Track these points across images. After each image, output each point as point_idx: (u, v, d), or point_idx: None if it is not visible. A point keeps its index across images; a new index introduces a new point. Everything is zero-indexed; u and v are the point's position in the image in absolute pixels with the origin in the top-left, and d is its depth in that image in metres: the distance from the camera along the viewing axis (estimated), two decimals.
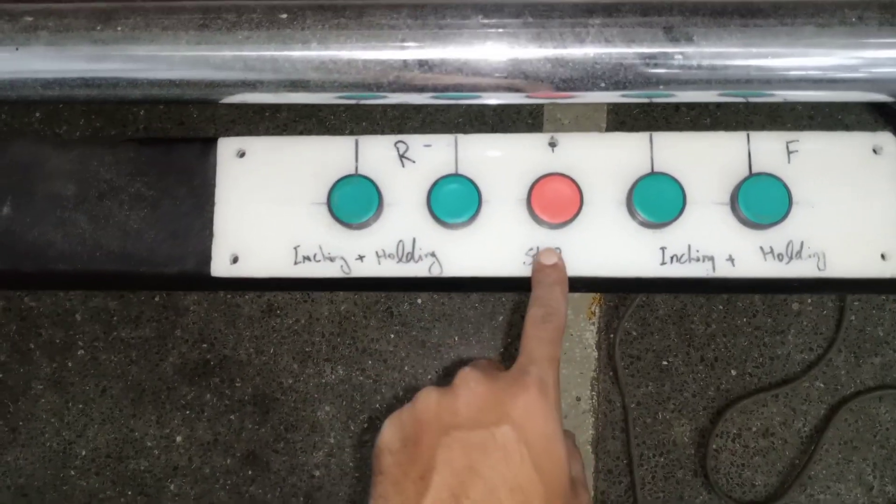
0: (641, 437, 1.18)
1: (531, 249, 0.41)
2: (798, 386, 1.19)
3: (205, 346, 1.19)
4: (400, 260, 0.41)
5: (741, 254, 0.40)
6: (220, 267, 0.41)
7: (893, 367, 1.18)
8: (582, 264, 0.41)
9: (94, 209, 0.43)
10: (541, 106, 1.38)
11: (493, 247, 0.41)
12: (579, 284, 0.42)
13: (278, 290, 0.46)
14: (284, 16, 0.36)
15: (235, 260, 0.41)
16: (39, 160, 0.42)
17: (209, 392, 1.19)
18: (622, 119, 1.29)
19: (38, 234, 0.42)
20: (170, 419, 1.18)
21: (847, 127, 1.30)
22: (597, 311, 1.20)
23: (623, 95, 0.39)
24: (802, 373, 1.19)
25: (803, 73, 0.36)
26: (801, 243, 0.40)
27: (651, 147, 0.41)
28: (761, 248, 0.40)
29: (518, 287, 0.42)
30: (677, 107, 1.32)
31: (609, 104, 1.30)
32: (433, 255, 0.41)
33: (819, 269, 0.40)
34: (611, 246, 0.41)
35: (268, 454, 1.17)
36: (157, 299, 1.21)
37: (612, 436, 1.17)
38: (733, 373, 1.19)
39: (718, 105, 1.39)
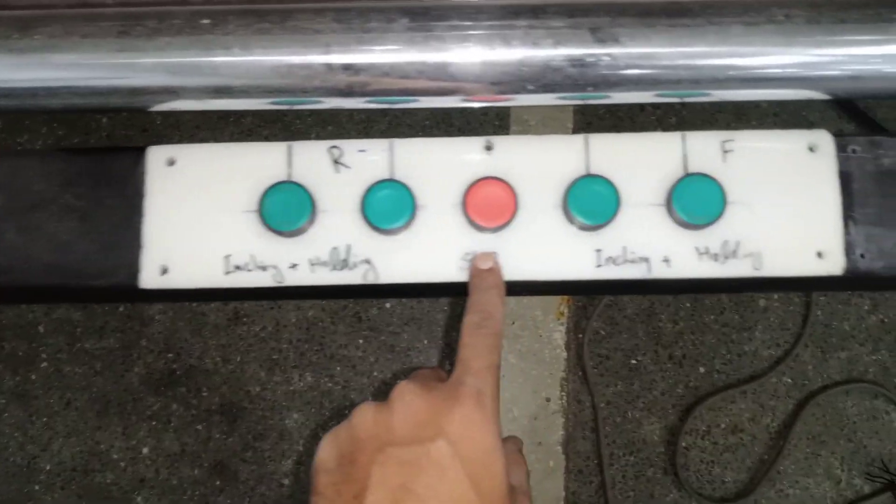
0: (611, 437, 1.18)
1: (467, 254, 0.41)
2: (766, 382, 1.19)
3: (170, 355, 1.18)
4: (334, 268, 0.40)
5: (677, 254, 0.40)
6: (149, 278, 0.40)
7: (860, 361, 1.19)
8: (518, 268, 0.41)
9: (22, 221, 0.42)
10: (507, 108, 1.38)
11: (428, 252, 0.41)
12: (516, 288, 0.41)
13: (210, 301, 0.45)
14: (207, 21, 0.35)
15: (165, 271, 0.41)
16: None
17: (175, 402, 1.17)
18: (588, 119, 1.30)
19: None
20: (136, 430, 1.17)
21: (811, 123, 1.31)
22: (565, 311, 1.20)
23: (558, 98, 0.39)
24: (770, 368, 1.19)
25: (733, 72, 0.35)
26: (737, 243, 0.40)
27: (587, 149, 0.41)
28: (697, 248, 0.40)
29: (455, 292, 0.41)
30: (643, 107, 1.33)
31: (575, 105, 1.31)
32: (368, 261, 0.41)
33: (755, 268, 0.40)
34: (546, 249, 0.40)
35: (236, 464, 1.16)
36: (121, 309, 1.19)
37: (582, 436, 1.17)
38: (701, 370, 1.19)
39: (684, 104, 1.39)
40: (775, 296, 1.21)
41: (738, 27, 0.35)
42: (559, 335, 1.21)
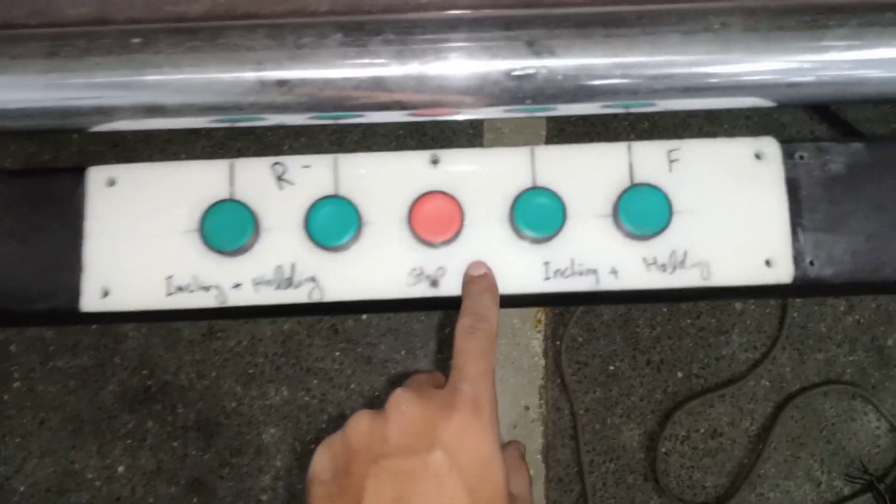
0: (591, 444, 1.17)
1: (414, 269, 0.40)
2: (744, 385, 1.19)
3: (145, 372, 1.17)
4: (278, 286, 0.40)
5: (624, 266, 0.40)
6: (90, 302, 0.40)
7: (837, 362, 1.19)
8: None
9: None
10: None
11: (375, 269, 0.40)
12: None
13: (154, 321, 0.44)
14: (137, 40, 0.34)
15: (106, 294, 0.40)
16: None
17: (151, 419, 1.16)
18: (561, 126, 1.29)
19: None
20: (111, 449, 1.15)
21: (783, 126, 1.32)
22: (542, 318, 1.20)
23: (503, 111, 0.39)
24: (748, 371, 1.19)
25: (671, 82, 0.35)
26: (685, 253, 0.40)
27: (532, 161, 0.40)
28: (644, 259, 0.40)
29: (403, 308, 0.41)
30: (615, 114, 1.33)
31: None
32: (313, 279, 0.40)
33: (703, 278, 0.40)
34: (493, 263, 0.40)
35: (213, 480, 1.14)
36: (94, 326, 1.18)
37: (561, 444, 1.16)
38: (679, 375, 1.19)
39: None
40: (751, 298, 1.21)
41: (675, 36, 0.34)
42: (537, 343, 1.20)
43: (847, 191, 0.41)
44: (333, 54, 0.34)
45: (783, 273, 0.40)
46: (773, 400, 1.19)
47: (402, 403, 0.35)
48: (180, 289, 0.40)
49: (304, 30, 0.34)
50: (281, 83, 0.35)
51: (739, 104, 0.38)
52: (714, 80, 0.35)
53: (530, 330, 1.21)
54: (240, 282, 0.40)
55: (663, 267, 0.40)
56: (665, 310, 1.20)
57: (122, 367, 1.18)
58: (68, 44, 0.35)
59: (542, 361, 1.20)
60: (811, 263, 0.41)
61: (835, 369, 1.20)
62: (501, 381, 1.19)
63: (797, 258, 0.40)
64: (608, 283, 0.40)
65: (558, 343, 1.19)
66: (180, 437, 1.16)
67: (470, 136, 1.29)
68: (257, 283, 0.40)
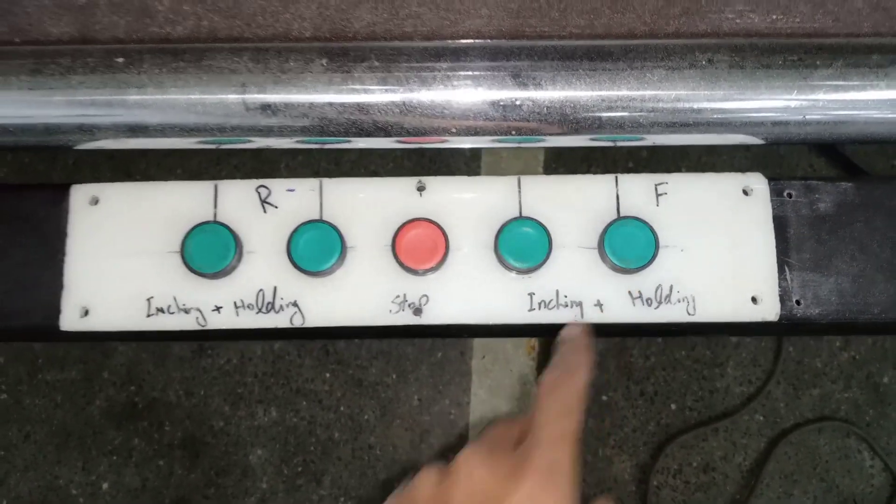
0: (583, 475, 1.15)
1: (397, 297, 0.40)
2: (738, 419, 1.18)
3: (133, 388, 1.16)
4: (259, 310, 0.39)
5: (610, 299, 0.39)
6: (70, 320, 0.39)
7: (832, 399, 1.18)
8: (449, 312, 0.40)
9: None
10: None
11: (357, 295, 0.40)
12: (448, 332, 0.40)
13: (134, 341, 0.43)
14: (121, 60, 0.34)
15: (86, 313, 0.39)
16: None
17: (137, 436, 1.15)
18: (559, 151, 1.30)
19: None
20: (96, 465, 1.14)
21: (782, 157, 1.32)
22: (536, 345, 1.19)
23: (491, 140, 0.38)
24: (742, 406, 1.18)
25: (655, 116, 0.35)
26: (671, 287, 0.39)
27: (519, 191, 0.40)
28: (630, 292, 0.39)
29: (385, 335, 0.40)
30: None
31: None
32: (295, 304, 0.40)
33: (689, 313, 0.39)
34: (477, 292, 0.39)
35: (198, 500, 1.13)
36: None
37: None
38: (673, 407, 1.18)
39: None
40: None
41: (660, 71, 0.34)
42: (530, 370, 1.19)
43: (835, 230, 0.41)
44: (318, 79, 0.34)
45: (769, 311, 0.40)
46: (766, 435, 1.18)
47: (472, 463, 0.33)
48: (160, 310, 0.39)
49: (288, 54, 0.34)
50: (265, 107, 0.34)
51: (725, 141, 0.37)
52: (699, 117, 0.35)
53: (524, 357, 1.20)
54: (220, 305, 0.39)
55: (648, 301, 0.39)
56: (660, 340, 1.19)
57: (110, 382, 1.17)
58: (52, 61, 0.35)
59: (535, 389, 1.19)
60: (797, 303, 0.40)
61: (830, 406, 1.19)
62: (494, 408, 1.18)
63: (783, 296, 0.40)
64: (593, 316, 0.39)
65: None
66: (166, 455, 1.15)
67: (467, 158, 1.29)
68: (238, 306, 0.39)
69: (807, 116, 0.34)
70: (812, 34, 0.35)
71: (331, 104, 0.34)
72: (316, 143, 0.39)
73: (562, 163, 1.25)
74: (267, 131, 0.35)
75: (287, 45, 0.34)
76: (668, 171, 0.37)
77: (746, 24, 0.35)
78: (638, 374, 1.18)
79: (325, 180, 0.41)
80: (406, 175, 0.41)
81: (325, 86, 0.34)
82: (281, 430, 1.14)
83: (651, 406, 1.17)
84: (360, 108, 0.34)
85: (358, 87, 0.34)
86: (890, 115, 0.35)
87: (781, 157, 1.30)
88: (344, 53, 0.34)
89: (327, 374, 1.16)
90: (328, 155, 1.28)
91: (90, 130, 0.35)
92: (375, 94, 0.34)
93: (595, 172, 0.41)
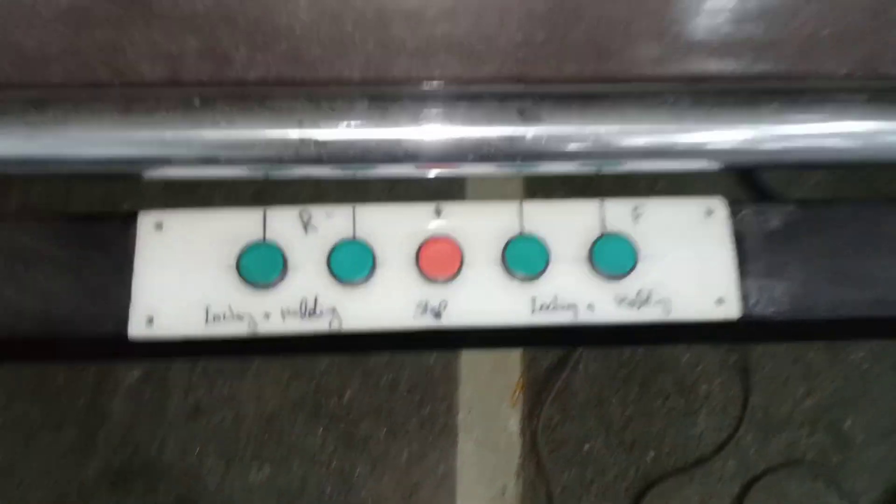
0: None
1: (420, 303, 0.47)
2: (711, 466, 1.24)
3: (128, 449, 1.18)
4: (303, 316, 0.46)
5: (599, 301, 0.47)
6: (137, 328, 0.45)
7: (798, 444, 1.25)
8: (464, 316, 0.47)
9: (24, 279, 0.47)
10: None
11: (386, 301, 0.47)
12: (465, 338, 0.47)
13: (191, 356, 0.49)
14: (197, 101, 0.42)
15: (151, 321, 0.46)
16: None
17: (132, 497, 1.16)
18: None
19: None
20: None
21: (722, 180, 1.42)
22: (520, 397, 1.25)
23: (497, 167, 0.46)
24: (714, 453, 1.24)
25: (634, 148, 0.43)
26: (650, 292, 0.47)
27: (521, 213, 0.48)
28: (616, 296, 0.47)
29: (410, 342, 0.47)
30: None
31: None
32: (333, 310, 0.46)
33: (665, 312, 0.47)
34: (488, 297, 0.47)
35: None
36: (80, 401, 1.20)
37: None
38: (651, 454, 1.24)
39: None
40: (716, 380, 1.28)
41: (637, 110, 0.43)
42: (514, 422, 1.24)
43: (782, 243, 0.49)
44: (363, 116, 0.42)
45: (732, 310, 0.47)
46: (738, 481, 1.24)
47: None
48: (217, 318, 0.46)
49: (336, 96, 0.42)
50: (318, 144, 0.42)
51: (689, 166, 0.46)
52: (666, 146, 0.44)
53: (507, 409, 1.25)
54: (269, 312, 0.46)
55: (632, 303, 0.47)
56: (636, 389, 1.26)
57: (106, 444, 1.19)
58: (141, 101, 0.42)
59: (519, 441, 1.24)
60: (755, 303, 0.48)
61: (797, 451, 1.25)
62: (479, 461, 1.22)
63: (743, 298, 0.48)
64: (585, 317, 0.47)
65: (535, 422, 1.24)
66: None
67: (458, 182, 1.36)
68: (285, 313, 0.46)
69: (756, 146, 0.43)
70: (758, 77, 0.44)
71: (372, 140, 0.42)
72: (352, 170, 0.46)
73: (539, 184, 1.32)
74: (316, 161, 0.43)
75: (335, 92, 0.42)
76: (635, 190, 0.45)
77: (704, 69, 0.44)
78: (617, 423, 1.24)
79: (358, 205, 0.48)
80: (418, 199, 0.48)
81: (365, 122, 0.42)
82: (273, 490, 1.17)
83: (630, 454, 1.23)
84: (395, 142, 0.42)
85: (394, 123, 0.42)
86: (817, 145, 0.44)
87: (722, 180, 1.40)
88: (382, 96, 0.42)
89: (320, 430, 1.20)
90: (356, 183, 1.35)
91: (168, 162, 0.43)
92: (409, 130, 0.42)
93: (571, 193, 0.49)
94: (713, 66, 0.44)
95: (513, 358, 1.29)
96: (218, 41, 0.40)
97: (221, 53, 0.41)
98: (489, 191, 1.35)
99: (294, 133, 0.42)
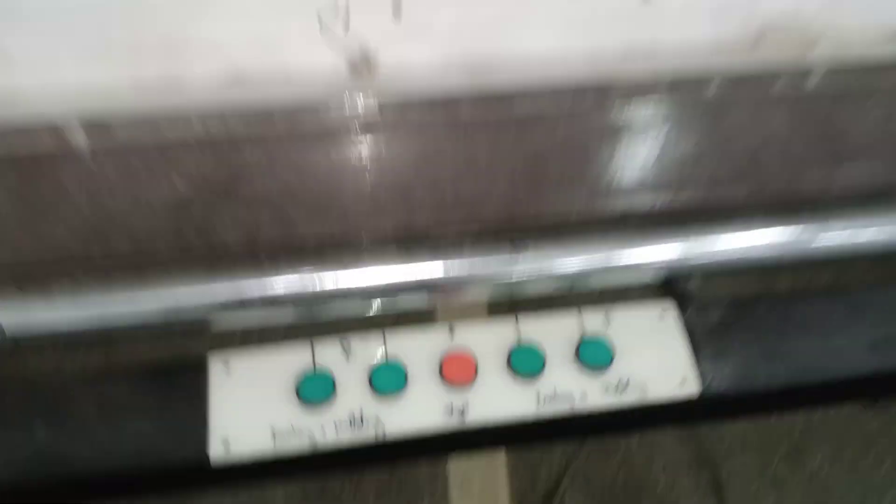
0: None
1: (447, 406, 0.57)
2: None
3: None
4: (352, 427, 0.56)
5: (589, 391, 0.58)
6: (216, 451, 0.55)
7: None
8: (484, 413, 0.57)
9: (116, 424, 0.56)
10: None
11: (419, 408, 0.57)
12: (486, 435, 0.58)
13: (262, 477, 0.58)
14: (265, 257, 0.54)
15: (227, 445, 0.55)
16: (65, 387, 0.56)
17: None
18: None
19: (64, 447, 0.54)
20: None
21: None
22: None
23: (492, 287, 0.59)
24: None
25: (591, 269, 0.57)
26: (628, 379, 0.59)
27: (517, 325, 0.60)
28: (601, 385, 0.59)
29: (443, 444, 0.57)
30: None
31: None
32: (377, 419, 0.57)
33: (643, 395, 0.58)
34: (501, 396, 0.58)
35: None
36: None
37: None
38: None
39: None
40: (693, 498, 1.36)
41: (596, 241, 0.57)
42: None
43: (723, 332, 0.62)
44: (381, 261, 0.55)
45: (692, 388, 0.59)
46: None
47: None
48: (282, 435, 0.55)
49: (361, 244, 0.55)
50: (344, 290, 0.55)
51: (639, 277, 0.60)
52: (619, 268, 0.58)
53: None
54: (325, 426, 0.56)
55: (615, 390, 0.58)
56: None
57: None
58: (222, 264, 0.54)
59: None
60: (710, 381, 0.60)
61: None
62: None
63: (701, 378, 0.60)
64: (581, 404, 0.58)
65: None
66: None
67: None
68: (338, 426, 0.56)
69: (686, 263, 0.57)
70: (684, 204, 0.59)
71: (394, 283, 0.55)
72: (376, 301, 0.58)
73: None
74: (348, 297, 0.55)
75: (361, 241, 0.55)
76: (588, 299, 0.58)
77: (630, 205, 0.59)
78: None
79: (387, 330, 0.60)
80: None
81: (392, 266, 0.55)
82: None
83: None
84: (419, 283, 0.55)
85: (398, 272, 0.55)
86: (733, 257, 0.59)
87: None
88: (379, 247, 0.55)
89: None
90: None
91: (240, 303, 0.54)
92: (424, 269, 0.55)
93: (538, 308, 0.61)
94: (642, 201, 0.59)
95: (501, 498, 1.35)
96: (286, 213, 0.53)
97: (288, 221, 0.54)
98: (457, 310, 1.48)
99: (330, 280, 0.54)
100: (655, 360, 0.60)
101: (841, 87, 0.58)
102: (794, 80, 0.58)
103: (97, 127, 0.59)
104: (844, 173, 0.58)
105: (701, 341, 0.62)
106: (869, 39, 0.59)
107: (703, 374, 0.60)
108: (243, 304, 0.54)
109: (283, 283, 0.54)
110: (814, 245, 0.58)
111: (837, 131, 0.58)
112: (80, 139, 0.59)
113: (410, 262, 0.55)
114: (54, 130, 0.58)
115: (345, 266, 0.54)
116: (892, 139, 0.59)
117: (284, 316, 0.57)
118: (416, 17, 0.57)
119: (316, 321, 0.59)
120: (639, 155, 0.57)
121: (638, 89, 0.57)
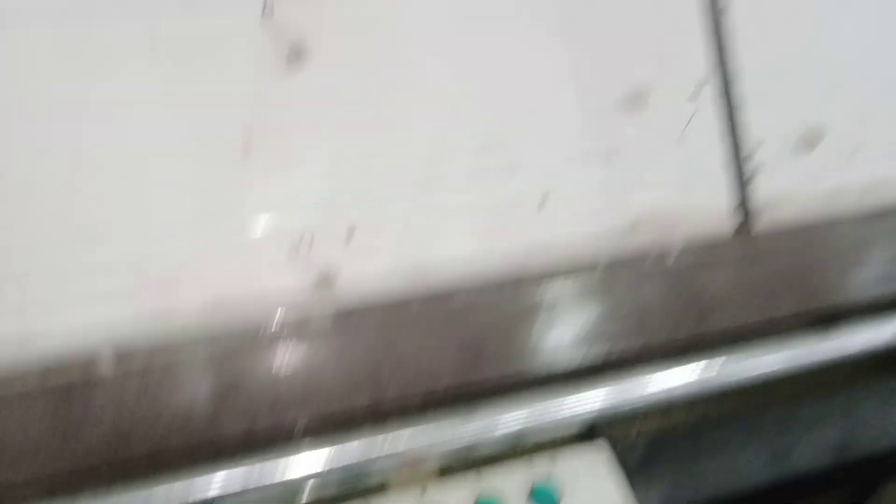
0: None
1: None
2: None
3: None
4: None
5: None
6: None
7: None
8: None
9: None
10: None
11: None
12: None
13: None
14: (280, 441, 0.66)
15: None
16: None
17: None
18: None
19: None
20: None
21: None
22: None
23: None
24: None
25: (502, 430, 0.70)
26: None
27: (479, 481, 0.71)
28: None
29: None
30: None
31: None
32: None
33: None
34: None
35: None
36: None
37: None
38: None
39: None
40: None
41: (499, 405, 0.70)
42: None
43: (651, 463, 0.74)
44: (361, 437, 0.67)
45: None
46: None
47: None
48: None
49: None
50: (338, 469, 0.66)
51: (573, 423, 0.72)
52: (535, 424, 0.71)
53: None
54: None
55: None
56: None
57: None
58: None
59: None
60: None
61: None
62: None
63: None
64: None
65: None
66: None
67: None
68: None
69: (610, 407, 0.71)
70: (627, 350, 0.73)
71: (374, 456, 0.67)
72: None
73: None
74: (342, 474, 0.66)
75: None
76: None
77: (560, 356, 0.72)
78: None
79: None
80: None
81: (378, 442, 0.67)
82: None
83: None
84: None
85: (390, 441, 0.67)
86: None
87: None
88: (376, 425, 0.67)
89: None
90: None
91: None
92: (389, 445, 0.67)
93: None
94: (563, 359, 0.73)
95: None
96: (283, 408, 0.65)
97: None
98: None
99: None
100: (596, 493, 0.71)
101: (693, 259, 0.76)
102: (659, 258, 0.75)
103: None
104: (709, 322, 0.74)
105: (634, 471, 0.74)
106: (714, 220, 0.77)
107: (638, 501, 0.72)
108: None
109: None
110: (703, 380, 0.72)
111: (696, 292, 0.74)
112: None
113: (379, 433, 0.67)
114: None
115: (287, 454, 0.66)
116: (741, 293, 0.75)
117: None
118: (364, 242, 0.73)
119: None
120: (554, 325, 0.72)
121: (543, 277, 0.73)
